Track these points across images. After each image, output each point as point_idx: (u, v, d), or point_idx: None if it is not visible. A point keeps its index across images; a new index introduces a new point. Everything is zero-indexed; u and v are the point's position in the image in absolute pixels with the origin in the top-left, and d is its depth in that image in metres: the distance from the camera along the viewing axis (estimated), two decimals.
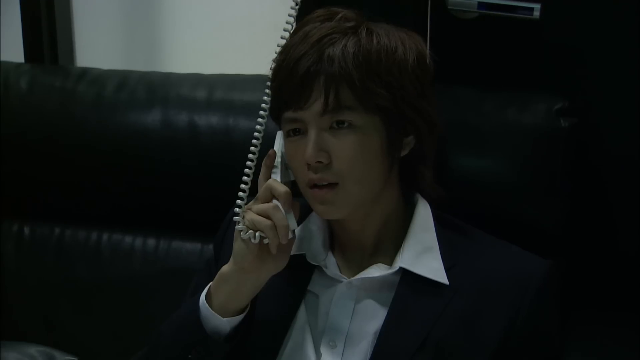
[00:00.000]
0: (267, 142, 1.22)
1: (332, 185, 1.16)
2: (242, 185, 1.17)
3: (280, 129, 1.23)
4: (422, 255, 1.21)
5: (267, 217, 1.15)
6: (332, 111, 1.15)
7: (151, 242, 1.65)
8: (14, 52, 1.89)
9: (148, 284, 1.63)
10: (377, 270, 1.21)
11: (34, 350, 1.43)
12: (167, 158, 1.62)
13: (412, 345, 1.16)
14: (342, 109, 1.15)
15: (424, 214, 1.25)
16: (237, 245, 1.18)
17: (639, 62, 1.41)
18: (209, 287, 1.20)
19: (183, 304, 1.27)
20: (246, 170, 1.18)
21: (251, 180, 1.18)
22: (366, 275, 1.21)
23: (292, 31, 1.22)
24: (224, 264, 1.20)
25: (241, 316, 1.19)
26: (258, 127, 1.20)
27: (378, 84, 1.15)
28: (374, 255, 1.24)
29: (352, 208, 1.19)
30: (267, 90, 1.21)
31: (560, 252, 1.37)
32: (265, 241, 1.16)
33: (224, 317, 1.18)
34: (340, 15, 1.20)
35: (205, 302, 1.19)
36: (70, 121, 1.67)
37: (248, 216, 1.16)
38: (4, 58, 1.79)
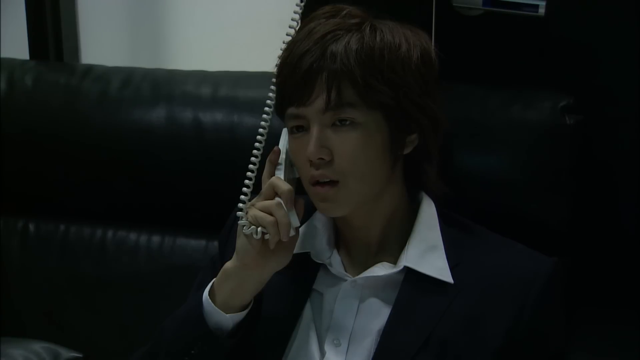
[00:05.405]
0: (272, 139, 1.21)
1: (333, 183, 1.16)
2: (246, 181, 1.18)
3: (285, 126, 1.23)
4: (427, 254, 1.21)
5: (270, 213, 1.15)
6: (334, 108, 1.15)
7: (156, 238, 1.65)
8: (19, 49, 1.89)
9: (153, 281, 1.63)
10: (381, 269, 1.21)
11: (38, 346, 1.43)
12: (171, 155, 1.62)
13: (415, 343, 1.16)
14: (344, 105, 1.15)
15: (428, 212, 1.25)
16: (240, 242, 1.18)
17: None
18: (213, 283, 1.20)
19: (187, 300, 1.28)
20: (250, 166, 1.18)
21: (255, 177, 1.18)
22: (371, 274, 1.21)
23: (297, 28, 1.22)
24: (228, 261, 1.20)
25: (244, 312, 1.19)
26: (263, 123, 1.20)
27: (380, 81, 1.15)
28: (378, 254, 1.24)
29: (354, 206, 1.18)
30: (272, 87, 1.21)
31: (565, 250, 1.37)
32: (267, 237, 1.16)
33: (226, 313, 1.18)
34: (345, 12, 1.20)
35: (208, 298, 1.19)
36: (75, 118, 1.68)
37: (251, 212, 1.16)
38: (9, 55, 1.80)
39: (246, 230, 1.16)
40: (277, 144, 1.23)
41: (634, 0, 1.40)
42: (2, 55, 1.78)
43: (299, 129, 1.18)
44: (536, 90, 1.42)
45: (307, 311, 1.24)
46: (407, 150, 1.21)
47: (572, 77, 1.45)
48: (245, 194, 1.17)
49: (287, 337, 1.23)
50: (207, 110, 1.61)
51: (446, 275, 1.19)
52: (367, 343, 1.19)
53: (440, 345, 1.16)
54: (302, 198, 1.20)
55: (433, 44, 1.23)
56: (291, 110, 1.18)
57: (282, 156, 1.22)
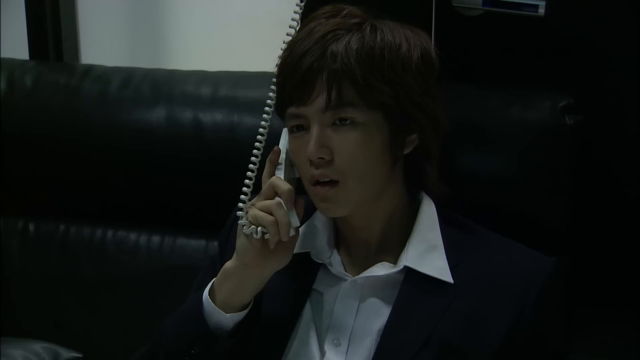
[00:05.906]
0: (272, 139, 1.22)
1: (333, 183, 1.16)
2: (246, 181, 1.18)
3: (285, 126, 1.23)
4: (427, 254, 1.21)
5: (270, 213, 1.16)
6: (335, 107, 1.15)
7: (156, 238, 1.65)
8: (19, 49, 1.89)
9: (153, 281, 1.63)
10: (381, 269, 1.21)
11: (38, 347, 1.44)
12: (171, 155, 1.62)
13: (415, 343, 1.16)
14: (344, 105, 1.15)
15: (428, 212, 1.25)
16: (240, 241, 1.18)
17: None
18: (213, 282, 1.20)
19: (187, 300, 1.28)
20: (250, 166, 1.18)
21: (255, 177, 1.18)
22: (371, 274, 1.21)
23: (297, 28, 1.22)
24: (228, 261, 1.20)
25: (244, 312, 1.19)
26: (263, 123, 1.20)
27: (381, 81, 1.15)
28: (378, 253, 1.24)
29: (354, 206, 1.18)
30: (272, 87, 1.21)
31: (564, 250, 1.37)
32: (267, 237, 1.16)
33: (226, 313, 1.18)
34: (345, 11, 1.20)
35: (208, 297, 1.19)
36: (75, 118, 1.67)
37: (251, 212, 1.17)
38: (9, 55, 1.80)
39: (246, 230, 1.16)
40: (277, 144, 1.23)
41: (634, 0, 1.40)
42: (2, 55, 1.78)
43: (299, 129, 1.18)
44: (536, 90, 1.42)
45: (307, 311, 1.24)
46: (407, 150, 1.21)
47: (572, 77, 1.45)
48: (245, 194, 1.18)
49: (287, 337, 1.23)
50: (207, 110, 1.61)
51: (446, 275, 1.19)
52: (367, 343, 1.19)
53: (441, 345, 1.16)
54: (302, 198, 1.20)
55: (433, 44, 1.23)
56: (291, 109, 1.18)
57: (282, 156, 1.22)
